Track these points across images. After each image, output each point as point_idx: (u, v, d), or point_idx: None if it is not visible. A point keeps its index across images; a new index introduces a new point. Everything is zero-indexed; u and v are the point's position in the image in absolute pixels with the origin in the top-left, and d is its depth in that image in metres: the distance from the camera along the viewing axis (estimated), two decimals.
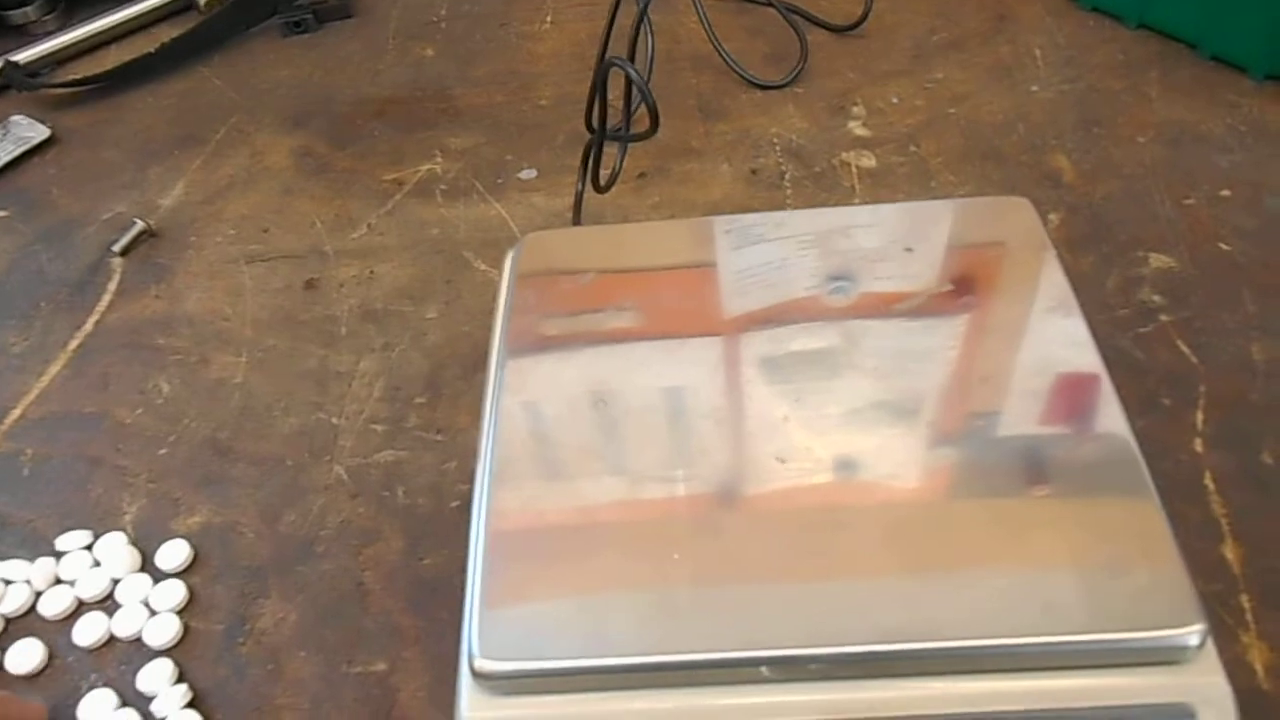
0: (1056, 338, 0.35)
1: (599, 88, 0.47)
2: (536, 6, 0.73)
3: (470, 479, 0.45)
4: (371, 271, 0.55)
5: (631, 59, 0.53)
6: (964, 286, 0.37)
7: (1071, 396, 0.33)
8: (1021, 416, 0.33)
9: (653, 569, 0.30)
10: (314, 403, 0.49)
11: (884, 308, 0.36)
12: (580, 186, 0.53)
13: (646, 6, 0.52)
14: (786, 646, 0.28)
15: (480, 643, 0.28)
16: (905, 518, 0.30)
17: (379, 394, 0.49)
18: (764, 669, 0.28)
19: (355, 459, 0.46)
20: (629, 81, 0.55)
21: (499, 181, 0.59)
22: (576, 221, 0.53)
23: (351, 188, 0.60)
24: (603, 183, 0.53)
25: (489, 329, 0.51)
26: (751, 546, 0.30)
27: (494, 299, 0.52)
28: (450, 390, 0.49)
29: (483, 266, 0.54)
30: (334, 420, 0.48)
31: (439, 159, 0.61)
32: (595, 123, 0.50)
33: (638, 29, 0.52)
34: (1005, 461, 0.32)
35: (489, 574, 0.30)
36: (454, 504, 0.44)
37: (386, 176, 0.61)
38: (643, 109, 0.51)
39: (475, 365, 0.49)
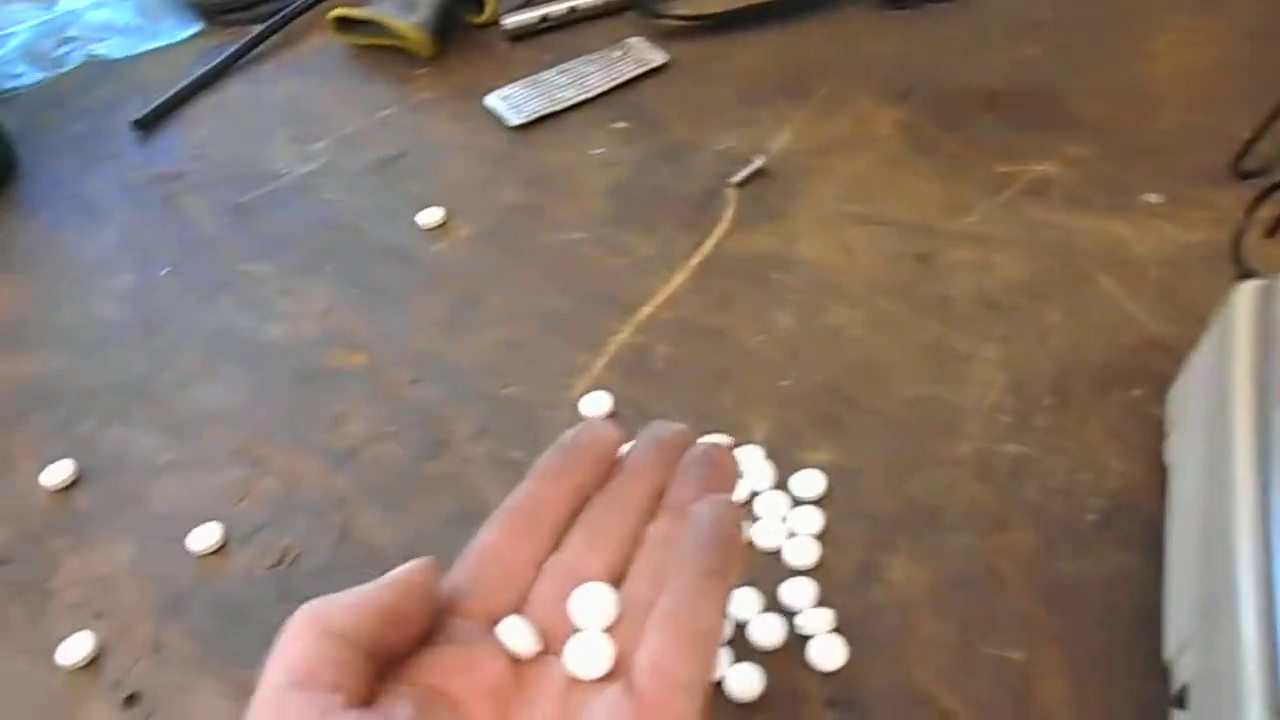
0: None
1: None
2: (1154, 24, 0.70)
3: (1105, 495, 0.44)
4: (987, 259, 0.55)
5: None
6: None
7: None
8: None
9: None
10: (932, 376, 0.50)
11: None
12: (1242, 226, 0.50)
13: None
14: None
15: None
16: None
17: (1002, 384, 0.49)
18: None
19: (980, 442, 0.47)
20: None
21: (1119, 199, 0.58)
22: (1236, 262, 0.51)
23: (960, 172, 0.61)
24: (1271, 229, 0.50)
25: (1119, 349, 0.50)
26: None
27: (1124, 317, 0.50)
28: (1079, 401, 0.48)
29: (1108, 283, 0.53)
30: (954, 399, 0.49)
31: (1053, 162, 0.60)
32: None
33: None
34: None
35: None
36: (1090, 517, 0.44)
37: (999, 168, 0.60)
38: None
39: (1106, 382, 0.48)
